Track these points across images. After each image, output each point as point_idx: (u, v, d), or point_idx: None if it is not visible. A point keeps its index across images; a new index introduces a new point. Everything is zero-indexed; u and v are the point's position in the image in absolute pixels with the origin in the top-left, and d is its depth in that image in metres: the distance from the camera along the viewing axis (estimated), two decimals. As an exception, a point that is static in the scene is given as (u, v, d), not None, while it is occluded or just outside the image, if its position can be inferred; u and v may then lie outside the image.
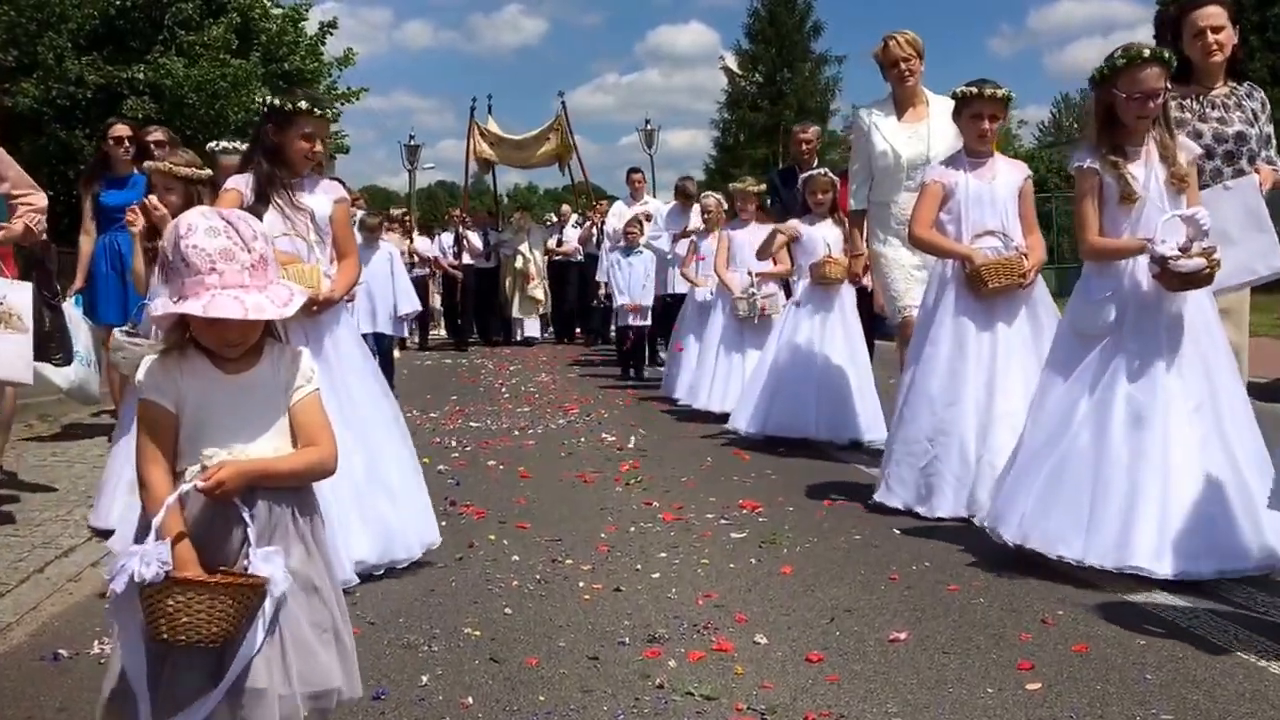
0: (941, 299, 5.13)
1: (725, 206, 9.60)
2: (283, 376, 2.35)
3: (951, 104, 5.30)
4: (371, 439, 4.26)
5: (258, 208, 4.06)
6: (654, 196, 14.25)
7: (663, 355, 11.74)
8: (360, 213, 9.85)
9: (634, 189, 13.52)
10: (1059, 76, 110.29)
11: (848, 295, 7.32)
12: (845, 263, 7.14)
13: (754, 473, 6.31)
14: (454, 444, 7.43)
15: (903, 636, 3.42)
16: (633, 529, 4.92)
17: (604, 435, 7.67)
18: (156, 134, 7.11)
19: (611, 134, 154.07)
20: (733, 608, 3.76)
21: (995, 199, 5.15)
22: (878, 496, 5.28)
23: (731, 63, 51.69)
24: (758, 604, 3.81)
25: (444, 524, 5.02)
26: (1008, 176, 5.22)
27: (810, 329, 7.22)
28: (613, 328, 13.38)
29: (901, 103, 6.30)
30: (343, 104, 20.90)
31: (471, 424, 8.33)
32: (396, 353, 10.38)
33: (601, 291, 13.64)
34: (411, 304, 10.32)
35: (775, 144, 51.21)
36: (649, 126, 23.92)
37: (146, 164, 5.15)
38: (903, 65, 6.19)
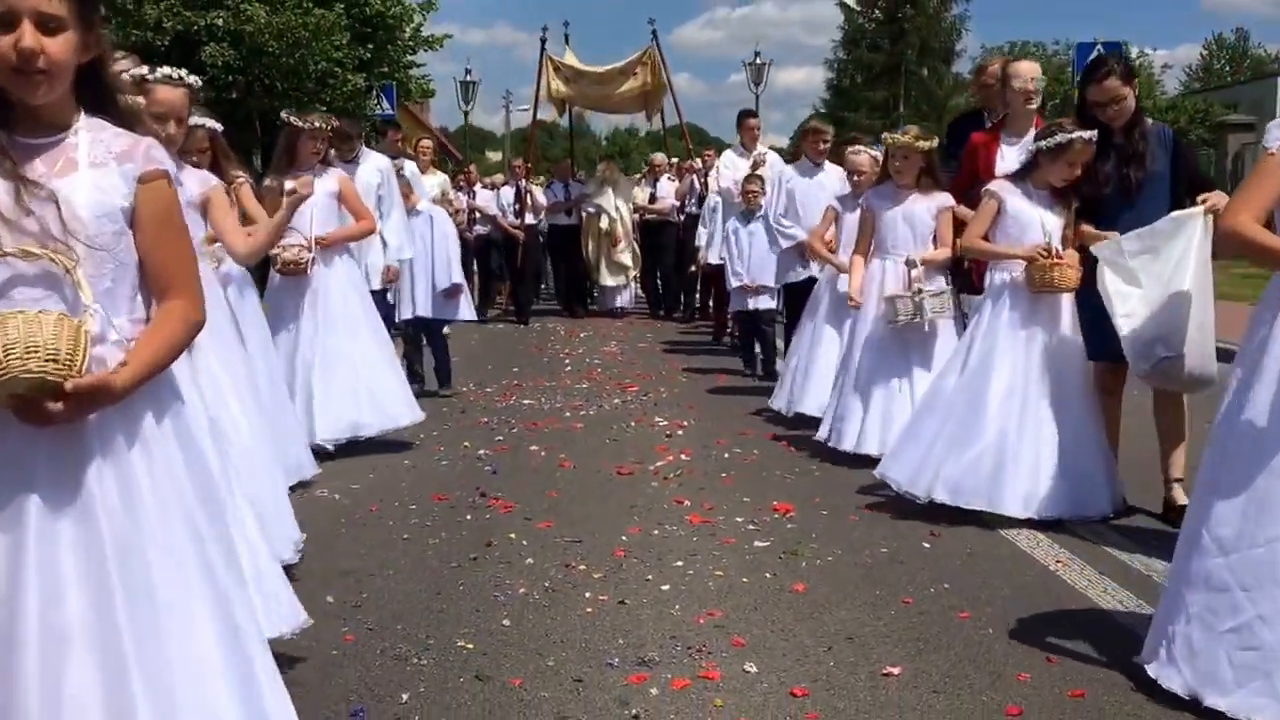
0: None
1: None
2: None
3: None
4: None
5: None
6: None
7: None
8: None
9: (746, 137, 10.83)
10: (1212, 12, 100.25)
11: (1069, 303, 5.08)
12: (1079, 265, 4.92)
13: (798, 468, 6.23)
14: (501, 423, 7.47)
15: (896, 671, 3.36)
16: (656, 532, 4.90)
17: (656, 419, 7.64)
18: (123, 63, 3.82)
19: (720, 71, 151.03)
20: (733, 629, 3.73)
21: None
22: (1151, 670, 3.20)
23: (850, -4, 49.51)
24: (759, 625, 3.77)
25: (469, 517, 5.11)
26: None
27: (1029, 357, 5.00)
28: (717, 309, 12.09)
29: None
30: (425, 49, 20.90)
31: (524, 401, 8.37)
32: (446, 330, 9.10)
33: (701, 257, 12.09)
34: (450, 276, 8.57)
35: (896, 86, 49.22)
36: (758, 60, 21.69)
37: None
38: None
